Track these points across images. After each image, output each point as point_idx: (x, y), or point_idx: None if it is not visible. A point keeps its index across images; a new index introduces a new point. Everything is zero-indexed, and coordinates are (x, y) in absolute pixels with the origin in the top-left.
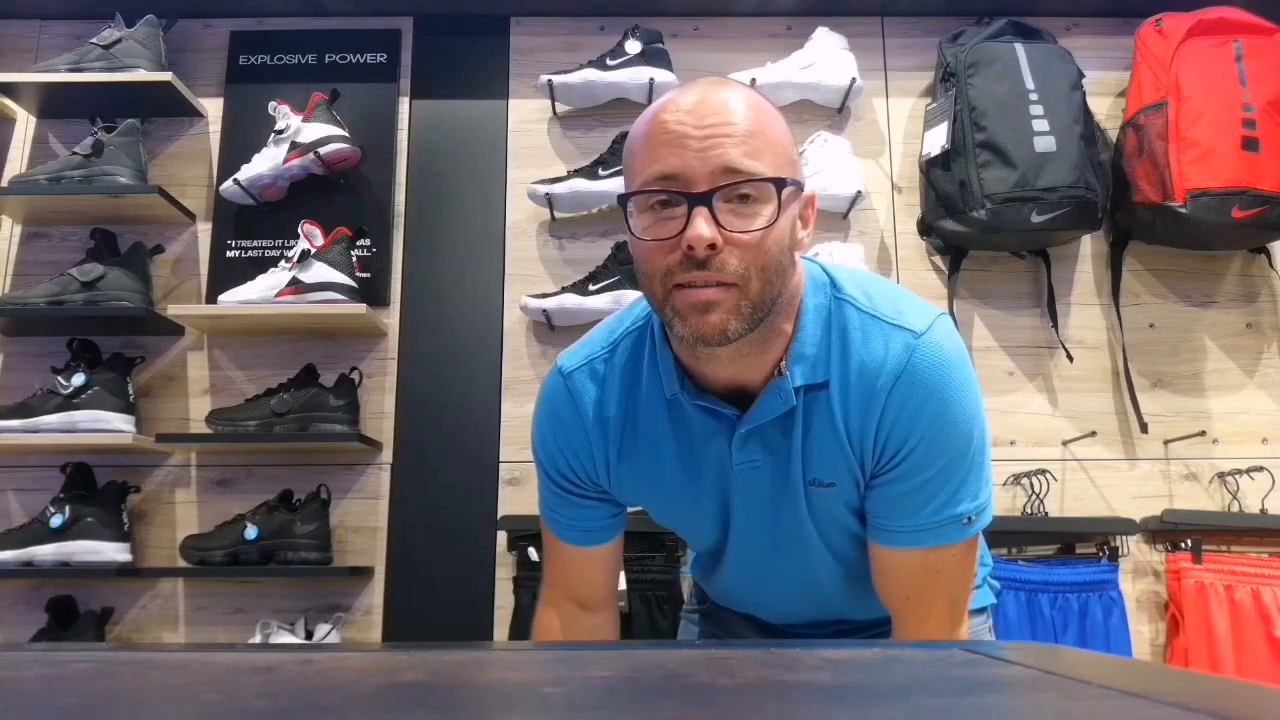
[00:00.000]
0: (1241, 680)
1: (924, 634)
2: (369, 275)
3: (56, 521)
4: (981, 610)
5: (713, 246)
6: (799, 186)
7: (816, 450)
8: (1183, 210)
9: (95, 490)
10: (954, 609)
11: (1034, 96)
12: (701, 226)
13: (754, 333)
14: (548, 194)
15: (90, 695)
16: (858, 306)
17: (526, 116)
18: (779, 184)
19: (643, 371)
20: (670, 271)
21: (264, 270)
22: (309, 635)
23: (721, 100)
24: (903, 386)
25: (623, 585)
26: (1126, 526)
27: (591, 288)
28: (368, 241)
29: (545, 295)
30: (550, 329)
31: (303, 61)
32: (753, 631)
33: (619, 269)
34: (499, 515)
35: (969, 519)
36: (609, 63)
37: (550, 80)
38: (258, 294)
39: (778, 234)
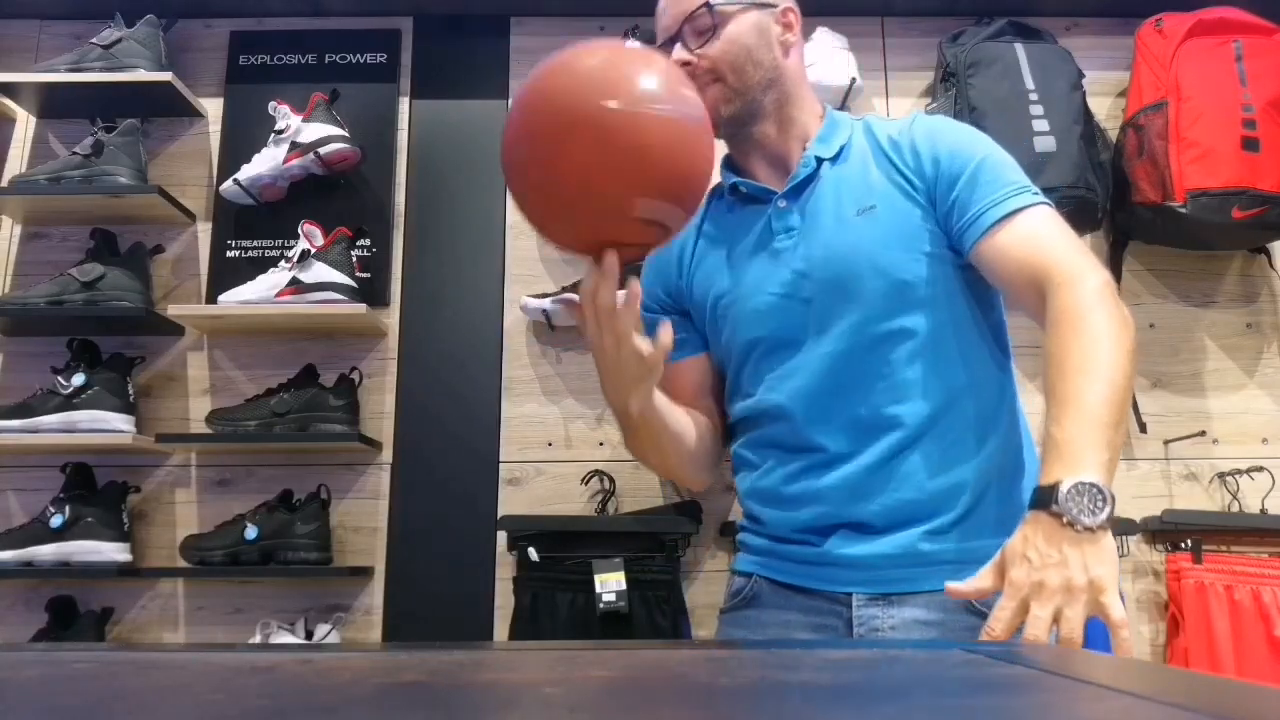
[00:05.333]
0: (1241, 680)
1: (1069, 274)
2: (369, 275)
3: (56, 521)
4: None
5: (687, 64)
6: (739, 3)
7: (850, 186)
8: (1183, 210)
9: (95, 490)
10: (1081, 251)
11: (1034, 96)
12: (677, 52)
13: (758, 116)
14: None
15: (90, 695)
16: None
17: None
18: (708, 6)
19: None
20: None
21: (264, 270)
22: (309, 635)
23: None
24: (919, 122)
25: (623, 585)
26: (1126, 526)
27: None
28: (368, 241)
29: (545, 295)
30: (550, 329)
31: (303, 61)
32: (795, 607)
33: None
34: (499, 515)
35: (1034, 193)
36: None
37: None
38: (258, 294)
39: (730, 37)
